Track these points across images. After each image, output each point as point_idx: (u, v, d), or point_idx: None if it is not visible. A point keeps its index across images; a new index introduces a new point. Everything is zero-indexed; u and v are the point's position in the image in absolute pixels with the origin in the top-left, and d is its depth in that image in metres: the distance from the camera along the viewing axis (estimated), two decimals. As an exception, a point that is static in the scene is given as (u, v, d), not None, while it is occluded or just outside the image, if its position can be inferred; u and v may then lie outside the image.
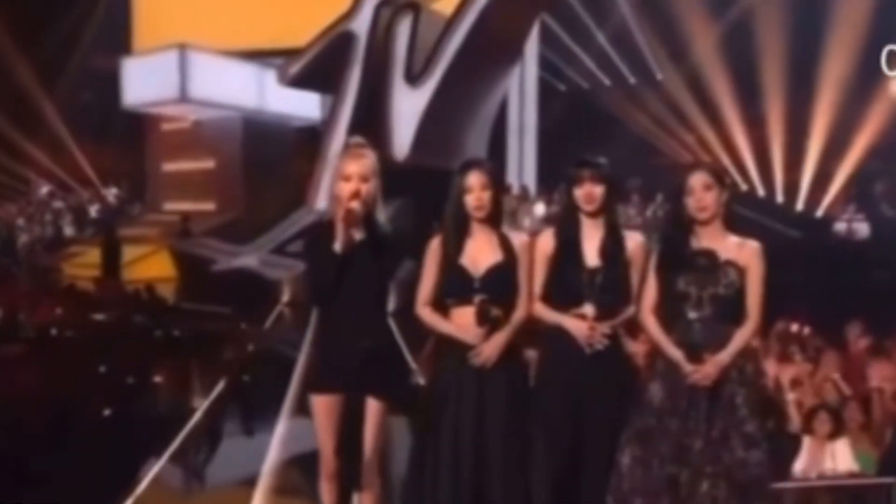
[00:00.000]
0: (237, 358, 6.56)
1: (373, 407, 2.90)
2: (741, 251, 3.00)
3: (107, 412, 5.15)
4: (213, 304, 9.79)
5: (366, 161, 2.93)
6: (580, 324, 2.98)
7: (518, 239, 3.09)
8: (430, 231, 3.18)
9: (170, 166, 15.83)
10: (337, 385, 2.90)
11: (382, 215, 2.95)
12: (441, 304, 3.06)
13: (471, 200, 3.01)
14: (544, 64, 16.15)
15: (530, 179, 15.36)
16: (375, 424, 2.89)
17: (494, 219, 3.06)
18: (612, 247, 3.05)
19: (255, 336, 7.62)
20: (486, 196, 3.01)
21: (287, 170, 15.37)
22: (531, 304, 3.06)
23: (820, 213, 13.69)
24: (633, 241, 3.13)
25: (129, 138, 16.39)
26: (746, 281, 2.97)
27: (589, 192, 3.05)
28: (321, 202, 12.78)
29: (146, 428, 5.18)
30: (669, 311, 2.99)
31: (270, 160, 15.07)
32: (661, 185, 12.45)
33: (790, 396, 5.29)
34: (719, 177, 3.03)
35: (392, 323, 2.99)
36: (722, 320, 2.96)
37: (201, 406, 5.38)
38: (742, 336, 2.97)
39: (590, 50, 16.23)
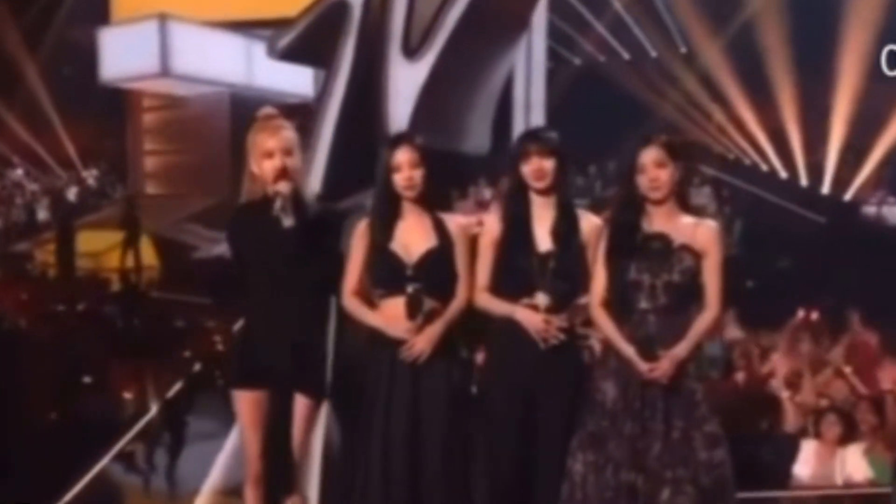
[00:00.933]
0: (198, 355, 6.54)
1: (302, 405, 2.87)
2: (697, 233, 2.95)
3: (55, 414, 5.14)
4: (193, 294, 9.78)
5: (286, 133, 2.88)
6: (533, 316, 2.92)
7: (454, 222, 3.03)
8: None
9: (153, 146, 15.82)
10: (263, 381, 2.87)
11: (308, 191, 2.94)
12: (368, 294, 3.02)
13: (400, 179, 2.93)
14: (554, 34, 15.96)
15: (537, 160, 15.13)
16: (305, 424, 2.86)
17: (428, 199, 2.99)
18: (565, 228, 2.98)
19: (223, 331, 7.61)
20: (418, 174, 2.94)
21: None
22: (472, 293, 3.00)
23: (848, 196, 13.54)
24: (588, 222, 3.06)
25: (109, 116, 16.46)
26: (703, 266, 2.93)
27: (538, 168, 2.97)
28: (315, 184, 12.84)
29: (98, 431, 5.17)
30: (621, 303, 2.94)
31: None
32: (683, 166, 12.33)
33: (786, 393, 5.22)
34: (674, 151, 2.98)
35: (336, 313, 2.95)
36: (678, 310, 2.92)
37: (158, 407, 5.35)
38: (700, 326, 2.93)
39: (605, 18, 16.00)
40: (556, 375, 2.95)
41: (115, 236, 13.05)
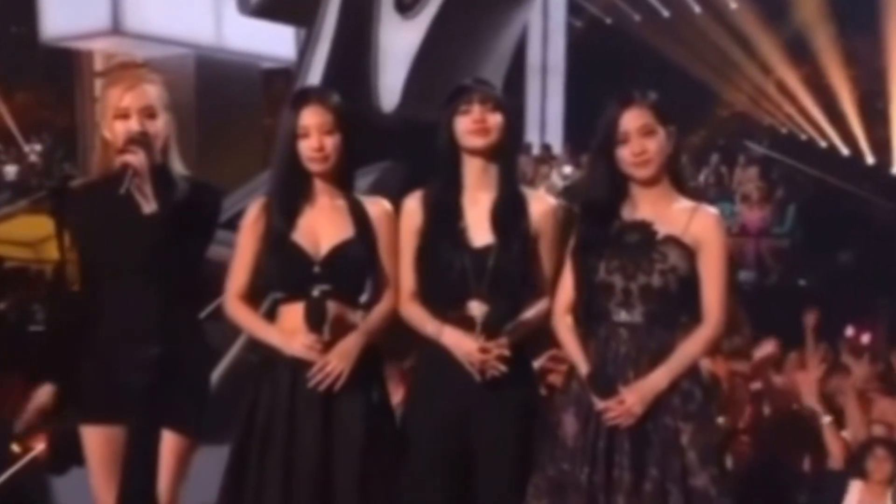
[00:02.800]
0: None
1: (171, 444, 2.64)
2: (691, 222, 2.64)
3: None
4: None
5: (148, 89, 2.66)
6: (464, 341, 2.65)
7: (378, 206, 2.78)
8: None
9: (106, 117, 15.66)
10: (117, 412, 2.64)
11: (178, 166, 2.68)
12: (253, 297, 2.80)
13: (306, 148, 2.69)
14: (579, -12, 15.72)
15: (555, 136, 14.92)
16: (174, 468, 2.64)
17: (343, 177, 2.76)
18: (509, 213, 2.71)
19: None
20: (330, 143, 2.69)
21: (251, 122, 15.27)
22: (399, 297, 2.77)
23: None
24: (541, 203, 2.80)
25: (58, 82, 16.32)
26: (699, 265, 2.61)
27: (479, 120, 2.69)
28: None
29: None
30: (588, 312, 2.67)
31: (230, 110, 14.98)
32: (726, 142, 12.03)
33: (826, 419, 4.83)
34: (664, 114, 2.68)
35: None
36: (661, 324, 2.61)
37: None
38: (688, 348, 2.62)
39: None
40: (498, 407, 2.69)
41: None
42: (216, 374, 6.65)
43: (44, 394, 3.24)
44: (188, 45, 14.75)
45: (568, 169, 13.23)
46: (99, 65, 15.65)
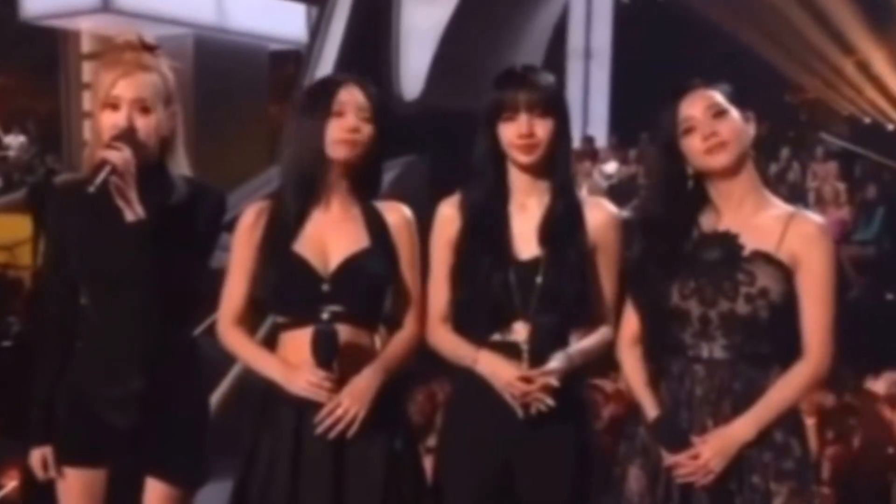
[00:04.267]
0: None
1: (156, 493, 2.56)
2: (787, 232, 2.45)
3: None
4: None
5: (147, 78, 2.54)
6: (505, 368, 2.51)
7: (395, 213, 2.66)
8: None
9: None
10: (96, 454, 2.58)
11: (182, 166, 2.59)
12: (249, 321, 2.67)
13: (339, 128, 2.56)
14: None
15: (599, 128, 14.85)
16: None
17: (366, 180, 2.64)
18: (562, 221, 2.59)
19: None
20: (367, 130, 2.56)
21: (256, 110, 15.35)
22: (426, 321, 2.64)
23: None
24: (600, 211, 2.65)
25: (44, 66, 16.36)
26: (799, 287, 2.43)
27: (526, 136, 2.57)
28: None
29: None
30: (659, 344, 2.51)
31: (233, 97, 14.99)
32: (797, 133, 11.89)
33: None
34: (733, 95, 2.51)
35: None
36: (746, 359, 2.44)
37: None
38: (783, 391, 2.44)
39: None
40: (546, 459, 2.55)
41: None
42: (216, 396, 6.56)
43: None
44: (186, 25, 14.75)
45: (613, 165, 13.16)
46: (86, 46, 15.77)
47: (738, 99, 2.51)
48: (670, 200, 2.53)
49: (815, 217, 2.53)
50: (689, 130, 2.46)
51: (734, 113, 2.47)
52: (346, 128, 2.53)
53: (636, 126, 13.63)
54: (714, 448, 2.40)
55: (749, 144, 2.49)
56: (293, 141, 2.62)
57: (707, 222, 2.50)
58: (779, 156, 12.61)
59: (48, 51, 16.21)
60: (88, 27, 15.12)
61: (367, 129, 2.55)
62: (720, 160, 2.46)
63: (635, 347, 2.56)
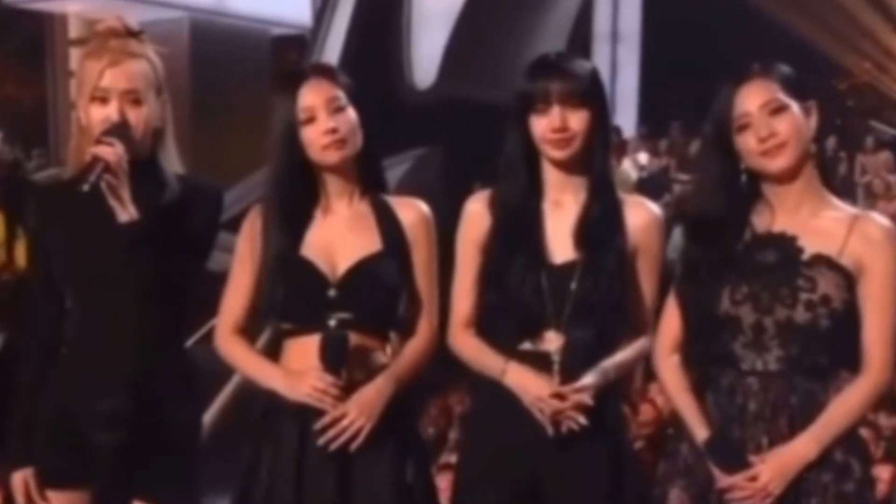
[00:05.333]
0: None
1: None
2: (851, 235, 2.43)
3: None
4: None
5: (136, 66, 2.55)
6: (534, 384, 2.51)
7: (410, 210, 2.67)
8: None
9: (82, 95, 15.98)
10: (79, 476, 2.59)
11: (174, 162, 2.59)
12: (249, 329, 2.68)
13: (316, 135, 2.55)
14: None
15: (627, 117, 14.87)
16: None
17: (367, 170, 2.64)
18: (600, 222, 2.58)
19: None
20: (346, 121, 2.56)
21: (257, 100, 15.37)
22: (445, 327, 2.65)
23: None
24: (641, 212, 2.64)
25: (23, 51, 16.48)
26: (861, 294, 2.42)
27: (559, 130, 2.56)
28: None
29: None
30: (706, 354, 2.49)
31: (233, 86, 15.09)
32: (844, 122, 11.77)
33: None
34: (797, 86, 2.47)
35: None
36: (804, 372, 2.43)
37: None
38: (843, 407, 2.43)
39: None
40: (577, 481, 2.54)
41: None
42: (215, 407, 6.57)
43: None
44: (181, 8, 14.88)
45: (644, 157, 13.19)
46: (74, 31, 15.87)
47: (799, 85, 2.48)
48: (722, 199, 2.51)
49: (882, 220, 2.50)
50: (743, 127, 2.44)
51: (794, 108, 2.44)
52: (322, 131, 2.53)
53: (667, 115, 13.67)
54: (774, 469, 2.40)
55: (810, 141, 2.46)
56: (271, 158, 2.61)
57: (760, 222, 2.49)
58: (825, 146, 12.62)
59: (33, 36, 16.34)
60: (76, 10, 15.26)
61: (345, 121, 2.55)
62: (778, 163, 2.44)
63: (672, 357, 2.56)
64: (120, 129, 2.48)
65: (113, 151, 2.42)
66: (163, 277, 2.51)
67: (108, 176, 2.42)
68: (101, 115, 2.51)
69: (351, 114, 2.56)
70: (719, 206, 2.49)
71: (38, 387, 2.60)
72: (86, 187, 2.40)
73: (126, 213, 2.45)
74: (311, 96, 2.54)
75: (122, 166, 2.43)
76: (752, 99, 2.43)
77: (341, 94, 2.55)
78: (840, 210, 2.48)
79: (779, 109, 2.42)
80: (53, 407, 2.59)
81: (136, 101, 2.52)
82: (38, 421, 2.61)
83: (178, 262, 2.53)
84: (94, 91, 2.51)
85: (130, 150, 2.47)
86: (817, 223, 2.46)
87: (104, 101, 2.52)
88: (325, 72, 2.61)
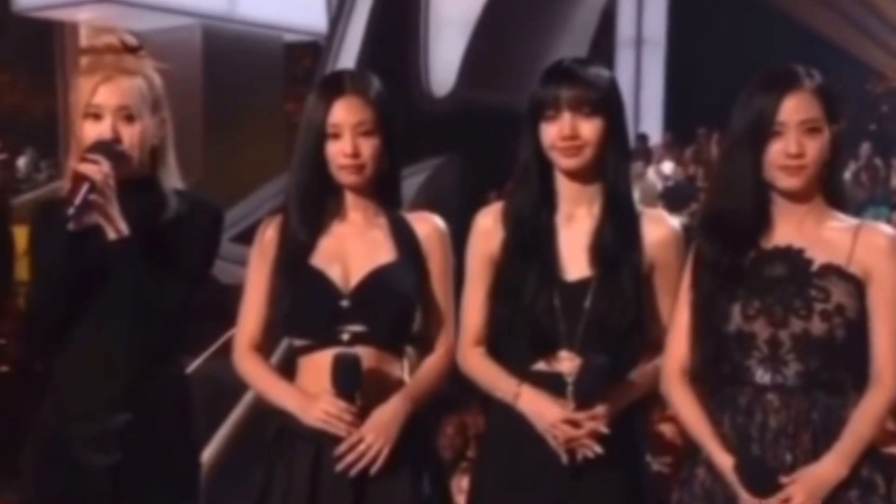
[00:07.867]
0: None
1: None
2: (856, 244, 2.46)
3: None
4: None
5: (129, 83, 2.56)
6: (548, 410, 2.51)
7: (425, 224, 2.67)
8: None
9: (93, 104, 16.13)
10: (70, 500, 2.58)
11: (173, 178, 2.61)
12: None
13: (337, 153, 2.58)
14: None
15: (652, 125, 14.87)
16: None
17: (384, 191, 2.64)
18: (616, 237, 2.56)
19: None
20: (369, 147, 2.57)
21: (270, 108, 15.50)
22: (458, 344, 2.64)
23: None
24: (659, 226, 2.63)
25: (33, 61, 16.59)
26: (870, 303, 2.44)
27: (569, 138, 2.55)
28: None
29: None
30: (718, 373, 2.49)
31: (246, 93, 15.22)
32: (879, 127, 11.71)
33: None
34: (834, 110, 2.47)
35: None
36: (823, 386, 2.44)
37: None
38: (864, 420, 2.44)
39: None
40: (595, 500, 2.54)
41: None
42: (226, 427, 6.56)
43: None
44: (194, 15, 15.05)
45: (669, 166, 13.16)
46: (85, 40, 15.92)
47: (838, 107, 2.49)
48: (744, 205, 2.51)
49: (885, 228, 2.54)
50: (775, 135, 2.45)
51: (826, 133, 2.45)
52: (343, 152, 2.56)
53: (693, 122, 13.65)
54: (806, 490, 2.40)
55: (824, 162, 2.47)
56: (294, 161, 2.65)
57: (763, 238, 2.49)
58: (859, 153, 12.49)
59: (44, 45, 16.41)
60: (87, 19, 15.24)
61: (369, 147, 2.57)
62: (792, 182, 2.46)
63: (682, 378, 2.55)
64: (105, 146, 2.49)
65: (98, 169, 2.42)
66: (157, 296, 2.52)
67: (93, 196, 2.41)
68: (94, 131, 2.51)
69: (375, 141, 2.57)
70: (744, 211, 2.49)
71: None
72: (71, 211, 2.40)
73: (115, 230, 2.46)
74: (343, 114, 2.56)
75: (109, 183, 2.43)
76: (795, 112, 2.45)
77: (372, 118, 2.57)
78: (842, 220, 2.50)
79: (814, 130, 2.44)
80: (45, 428, 2.60)
81: (130, 118, 2.53)
82: (27, 445, 2.62)
83: (173, 281, 2.54)
84: (87, 107, 2.52)
85: (121, 167, 2.47)
86: (822, 234, 2.48)
87: (97, 118, 2.52)
88: (363, 90, 2.62)
